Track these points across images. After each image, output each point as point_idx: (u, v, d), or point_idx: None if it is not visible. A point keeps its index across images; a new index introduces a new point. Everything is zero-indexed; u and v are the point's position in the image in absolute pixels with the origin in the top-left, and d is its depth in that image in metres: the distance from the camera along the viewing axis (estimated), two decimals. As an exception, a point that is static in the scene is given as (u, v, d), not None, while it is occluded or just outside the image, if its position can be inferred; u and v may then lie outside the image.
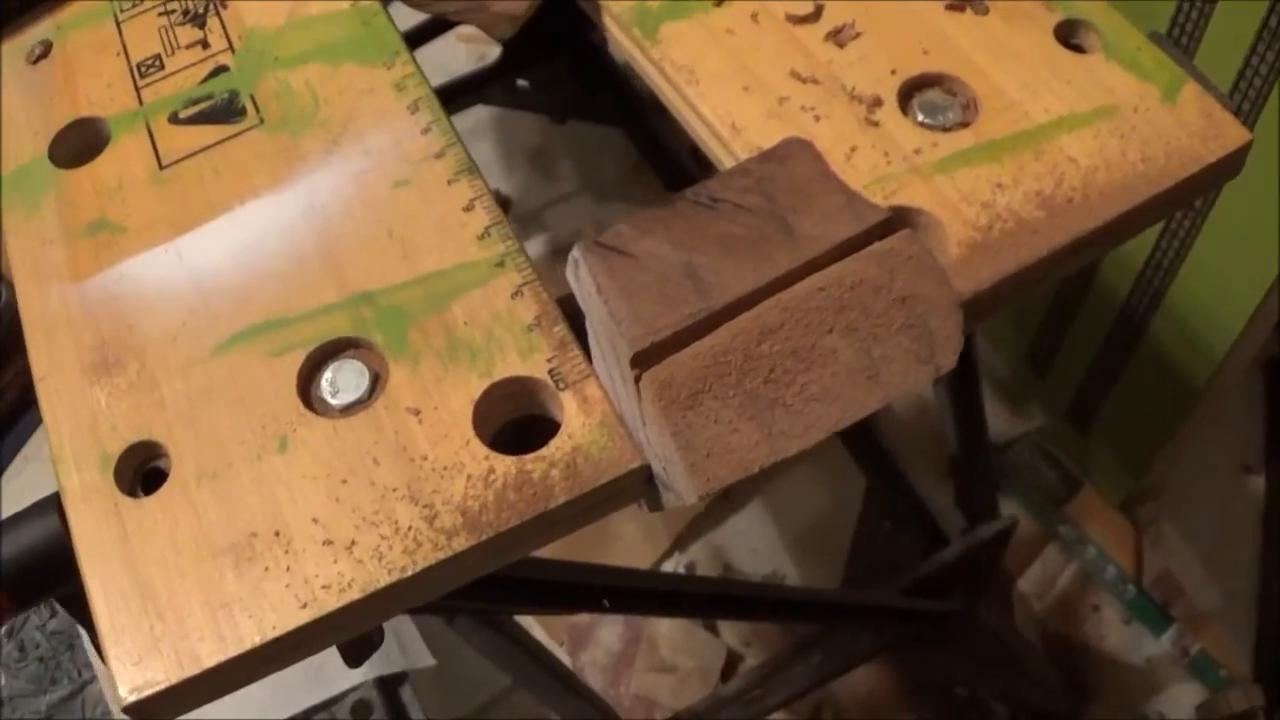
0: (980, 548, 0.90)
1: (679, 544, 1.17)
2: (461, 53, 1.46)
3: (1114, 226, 0.42)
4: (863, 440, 1.05)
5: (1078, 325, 1.10)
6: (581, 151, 1.44)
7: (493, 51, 1.33)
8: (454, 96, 1.23)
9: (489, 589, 0.55)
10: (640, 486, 0.38)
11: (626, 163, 1.39)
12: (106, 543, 0.39)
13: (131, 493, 0.40)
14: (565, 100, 1.36)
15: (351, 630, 0.38)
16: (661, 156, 1.33)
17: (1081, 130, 0.43)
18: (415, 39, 1.13)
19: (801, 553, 1.17)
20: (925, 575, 0.89)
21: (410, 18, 1.13)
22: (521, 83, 1.32)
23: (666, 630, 1.10)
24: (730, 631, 1.11)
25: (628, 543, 1.16)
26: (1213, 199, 0.89)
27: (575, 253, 0.34)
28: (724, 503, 1.19)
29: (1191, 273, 0.95)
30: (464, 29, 1.34)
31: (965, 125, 0.44)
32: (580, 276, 0.34)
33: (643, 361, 0.32)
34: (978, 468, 0.87)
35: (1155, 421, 1.08)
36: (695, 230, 0.33)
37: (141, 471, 0.41)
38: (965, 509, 0.91)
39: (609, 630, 1.11)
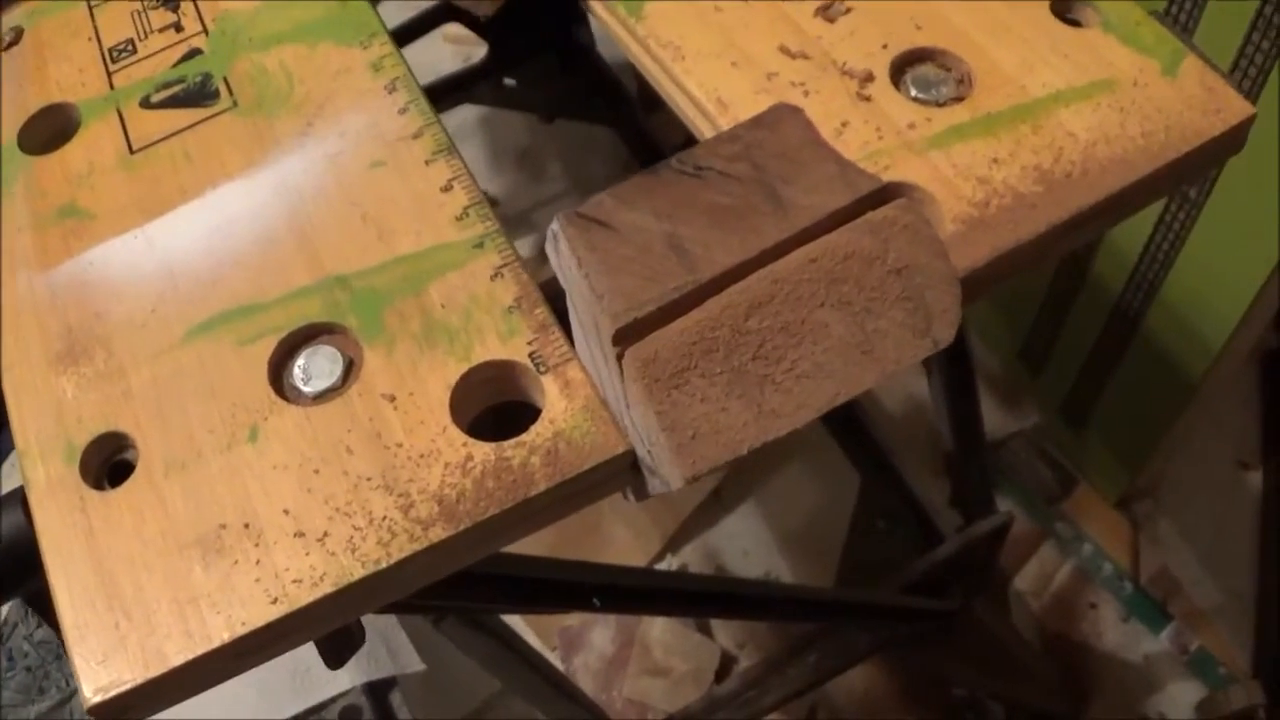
0: (976, 544, 0.89)
1: (671, 546, 1.15)
2: (447, 53, 1.44)
3: (1114, 202, 0.40)
4: (856, 437, 1.03)
5: (1072, 321, 1.09)
6: (570, 151, 1.42)
7: (479, 52, 1.31)
8: (441, 95, 1.22)
9: (475, 587, 0.54)
10: (625, 473, 0.36)
11: (615, 162, 1.38)
12: (71, 538, 0.37)
13: (98, 485, 0.39)
14: (553, 98, 1.35)
15: (326, 626, 0.37)
16: (650, 155, 1.31)
17: (1080, 104, 0.42)
18: (400, 39, 1.11)
19: (795, 553, 1.16)
20: (921, 573, 0.87)
21: (394, 16, 1.12)
22: (509, 81, 1.31)
23: (659, 633, 1.08)
24: (724, 633, 1.10)
25: (619, 545, 1.14)
26: (1208, 190, 0.88)
27: (554, 225, 0.32)
28: (716, 503, 1.18)
29: (1186, 266, 0.94)
30: (450, 28, 1.33)
31: (960, 100, 0.43)
32: (560, 250, 0.32)
33: (625, 338, 0.31)
34: (973, 465, 0.86)
35: (1151, 417, 1.07)
36: (680, 200, 0.32)
37: (109, 464, 0.39)
38: (961, 506, 0.90)
39: (601, 633, 1.09)
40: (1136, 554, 1.14)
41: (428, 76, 1.24)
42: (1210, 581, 1.12)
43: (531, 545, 0.39)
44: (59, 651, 1.18)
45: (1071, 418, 1.16)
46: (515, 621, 1.03)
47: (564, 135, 1.42)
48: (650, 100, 1.42)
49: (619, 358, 0.31)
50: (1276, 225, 0.85)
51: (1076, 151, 0.41)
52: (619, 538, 1.15)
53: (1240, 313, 0.93)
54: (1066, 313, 1.09)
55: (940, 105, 0.42)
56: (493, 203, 1.44)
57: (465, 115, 1.39)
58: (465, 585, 0.53)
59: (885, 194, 0.33)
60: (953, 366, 0.77)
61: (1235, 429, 1.19)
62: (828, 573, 1.12)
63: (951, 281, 0.32)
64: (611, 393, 0.35)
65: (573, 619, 1.10)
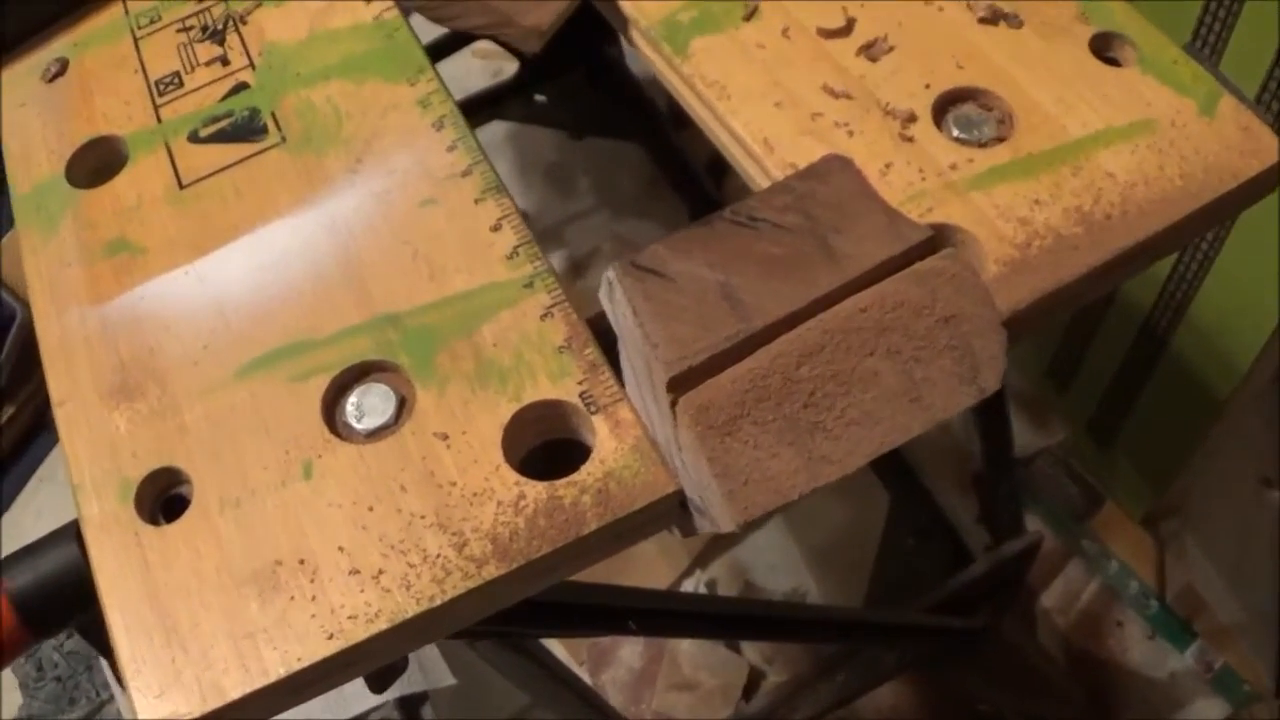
0: (1007, 564, 0.89)
1: (699, 561, 1.15)
2: (477, 68, 1.45)
3: (1153, 243, 0.41)
4: (886, 455, 1.03)
5: (1099, 339, 1.09)
6: (599, 167, 1.43)
7: (509, 67, 1.32)
8: (470, 112, 1.22)
9: (515, 614, 0.54)
10: (674, 512, 0.37)
11: (643, 177, 1.39)
12: (127, 572, 0.38)
13: (153, 521, 0.39)
14: (582, 114, 1.36)
15: (379, 661, 0.37)
16: (679, 171, 1.32)
17: (1119, 145, 0.42)
18: (432, 55, 1.12)
19: (824, 569, 1.16)
20: (951, 592, 0.87)
21: (426, 33, 1.13)
22: (539, 97, 1.32)
23: (688, 648, 1.08)
24: (752, 649, 1.10)
25: (647, 561, 1.15)
26: (1248, 208, 0.88)
27: (610, 274, 0.33)
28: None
29: (1214, 286, 0.95)
30: (480, 44, 1.34)
31: (1001, 140, 0.43)
32: (615, 299, 0.33)
33: (679, 386, 0.31)
34: (1003, 484, 0.86)
35: (1177, 436, 1.07)
36: (733, 250, 0.32)
37: (162, 499, 0.40)
38: (990, 525, 0.90)
39: (630, 649, 1.10)
40: (1162, 572, 1.14)
41: (457, 92, 1.24)
42: (1235, 599, 1.12)
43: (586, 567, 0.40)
44: (89, 662, 1.19)
45: (1098, 436, 1.16)
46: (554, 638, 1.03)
47: (593, 151, 1.42)
48: (679, 117, 1.43)
49: (672, 405, 0.32)
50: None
51: (1116, 193, 0.41)
52: (647, 553, 1.15)
53: (1268, 332, 0.93)
54: (1094, 331, 1.09)
55: (982, 145, 0.43)
56: (523, 218, 1.44)
57: (495, 131, 1.39)
58: (508, 613, 0.54)
59: (933, 243, 0.33)
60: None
61: (1260, 447, 1.18)
62: (857, 589, 1.12)
63: (997, 329, 0.32)
64: (662, 434, 0.35)
65: (603, 635, 1.10)
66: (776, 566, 1.16)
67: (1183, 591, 1.13)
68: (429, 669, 0.91)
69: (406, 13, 0.50)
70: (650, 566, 1.14)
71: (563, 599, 0.57)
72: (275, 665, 0.36)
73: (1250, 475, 1.17)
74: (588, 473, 0.37)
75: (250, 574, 0.37)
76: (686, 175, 1.30)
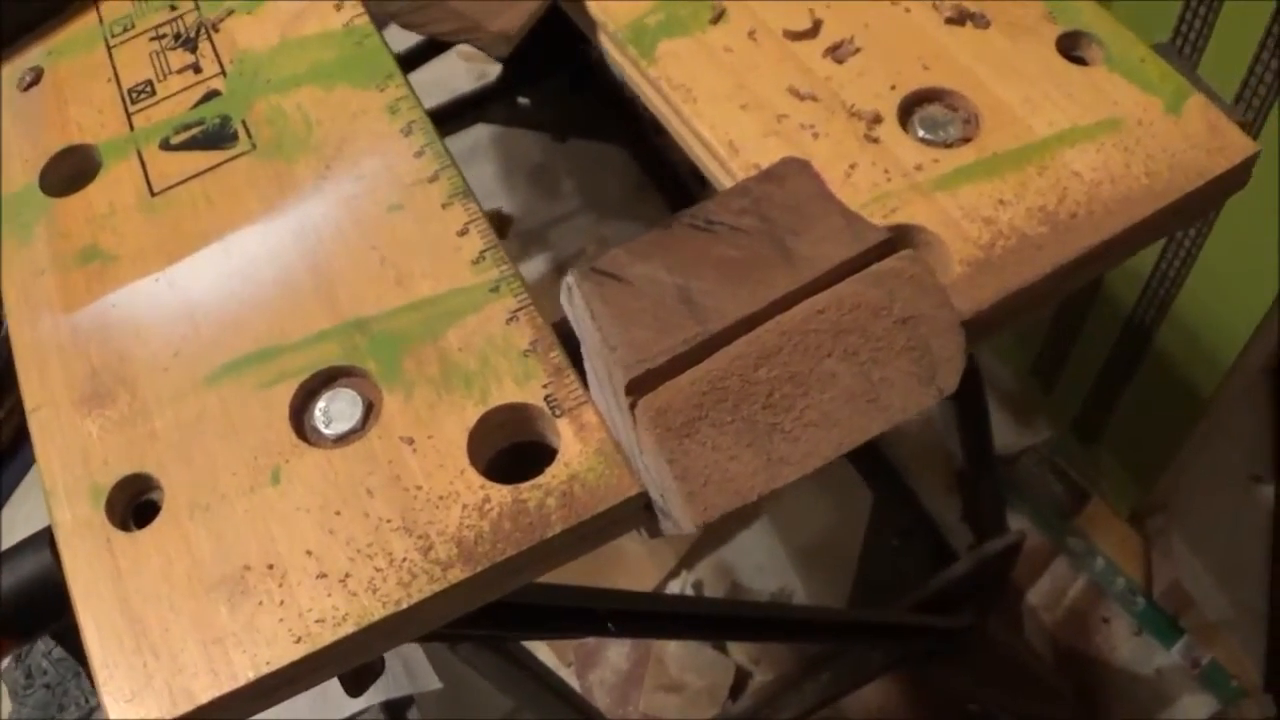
0: (989, 562, 0.90)
1: (685, 562, 1.16)
2: (462, 71, 1.45)
3: (1118, 242, 0.41)
4: (869, 455, 1.04)
5: (1084, 336, 1.09)
6: (583, 169, 1.43)
7: (493, 70, 1.33)
8: (455, 115, 1.23)
9: (491, 616, 0.54)
10: (638, 514, 0.37)
11: (628, 180, 1.39)
12: (99, 578, 0.38)
13: (124, 526, 0.40)
14: (566, 117, 1.36)
15: (348, 663, 0.37)
16: (663, 173, 1.32)
17: (1085, 144, 0.43)
18: (415, 58, 1.13)
19: (809, 569, 1.16)
20: (935, 591, 0.88)
21: (408, 39, 1.13)
22: (522, 100, 1.32)
23: (675, 649, 1.09)
24: (739, 649, 1.10)
25: (633, 562, 1.15)
26: (1219, 206, 0.89)
27: (569, 279, 0.33)
28: (730, 519, 1.18)
29: (1198, 281, 0.95)
30: (465, 47, 1.34)
31: (967, 140, 0.43)
32: (574, 303, 0.33)
33: (638, 388, 0.32)
34: (985, 482, 0.86)
35: (1163, 432, 1.07)
36: (691, 254, 0.32)
37: (134, 505, 0.40)
38: (973, 524, 0.90)
39: (616, 650, 1.10)
40: (1149, 568, 1.14)
41: (443, 94, 1.25)
42: (1222, 595, 1.12)
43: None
44: (78, 669, 1.19)
45: (1084, 433, 1.16)
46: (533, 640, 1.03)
47: (577, 154, 1.42)
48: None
49: (632, 407, 0.32)
50: (1287, 243, 0.85)
51: (1081, 192, 0.41)
52: (633, 554, 1.15)
53: (1252, 328, 0.93)
54: (1079, 328, 1.09)
55: (948, 146, 0.43)
56: (508, 220, 1.44)
57: (479, 134, 1.40)
58: (482, 615, 0.54)
59: (891, 245, 0.33)
60: (963, 387, 0.77)
61: (1247, 442, 1.19)
62: (841, 589, 1.13)
63: (955, 329, 0.32)
64: (625, 437, 0.36)
65: (589, 637, 1.10)
66: (763, 567, 1.16)
67: (1170, 588, 1.13)
68: (414, 672, 0.91)
69: (381, 22, 0.51)
70: (636, 568, 1.14)
71: (541, 601, 0.57)
72: (244, 669, 0.36)
73: (1238, 471, 1.18)
74: (552, 475, 0.37)
75: (219, 579, 0.38)
76: (671, 178, 1.31)
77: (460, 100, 1.24)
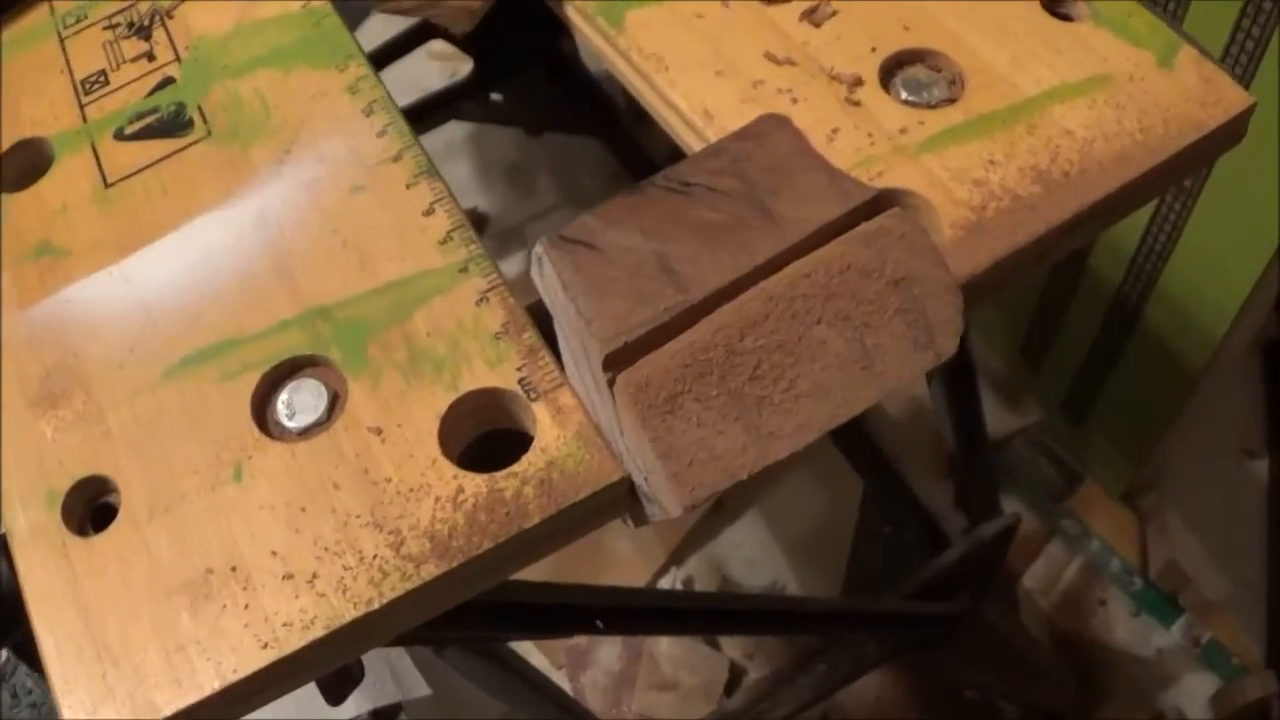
0: (984, 547, 0.88)
1: (674, 559, 1.14)
2: (433, 70, 1.43)
3: (1114, 200, 0.39)
4: (858, 442, 1.02)
5: (1071, 316, 1.08)
6: (559, 164, 1.41)
7: (464, 68, 1.31)
8: (427, 113, 1.21)
9: (474, 616, 0.53)
10: (622, 501, 0.35)
11: (605, 173, 1.37)
12: (55, 586, 0.36)
13: (81, 532, 0.37)
14: (540, 111, 1.34)
15: (320, 669, 0.35)
16: (640, 164, 1.30)
17: (1075, 100, 0.41)
18: (384, 56, 1.11)
19: (800, 561, 1.14)
20: (929, 578, 0.86)
21: (377, 35, 1.11)
22: (495, 96, 1.30)
23: (667, 647, 1.07)
24: (732, 645, 1.09)
25: (622, 560, 1.13)
26: (1203, 179, 0.87)
27: (538, 249, 0.31)
28: (719, 514, 1.17)
29: (1184, 256, 0.93)
30: (435, 45, 1.32)
31: (952, 101, 0.42)
32: (544, 274, 0.31)
33: (616, 363, 0.30)
34: (977, 466, 0.85)
35: (1154, 409, 1.06)
36: (667, 218, 0.31)
37: (91, 508, 0.38)
38: (966, 508, 0.88)
39: (608, 650, 1.08)
40: (1144, 548, 1.13)
41: (413, 94, 1.23)
42: (1219, 572, 1.11)
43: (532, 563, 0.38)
44: (61, 688, 1.16)
45: (1073, 413, 1.15)
46: (521, 643, 1.01)
47: (552, 148, 1.41)
48: (638, 110, 1.41)
49: (610, 383, 0.30)
50: (1273, 212, 0.84)
51: (1074, 150, 0.40)
52: (622, 552, 1.13)
53: (1240, 301, 0.92)
54: (1065, 308, 1.08)
55: (932, 108, 0.41)
56: (484, 218, 1.42)
57: (453, 132, 1.37)
58: (465, 615, 0.52)
59: (879, 203, 0.31)
60: (953, 367, 0.76)
61: (1239, 418, 1.18)
62: (834, 580, 1.11)
63: (952, 291, 0.31)
64: (604, 418, 0.34)
65: (579, 637, 1.08)
66: (754, 561, 1.14)
67: (1166, 567, 1.12)
68: (401, 679, 0.89)
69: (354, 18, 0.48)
70: (625, 566, 1.13)
71: (527, 599, 0.55)
72: (209, 678, 0.34)
73: (1231, 446, 1.17)
74: (529, 463, 0.35)
75: (181, 583, 0.35)
76: (647, 169, 1.28)
77: (432, 98, 1.22)
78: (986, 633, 1.00)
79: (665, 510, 0.31)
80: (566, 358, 0.35)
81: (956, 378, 0.77)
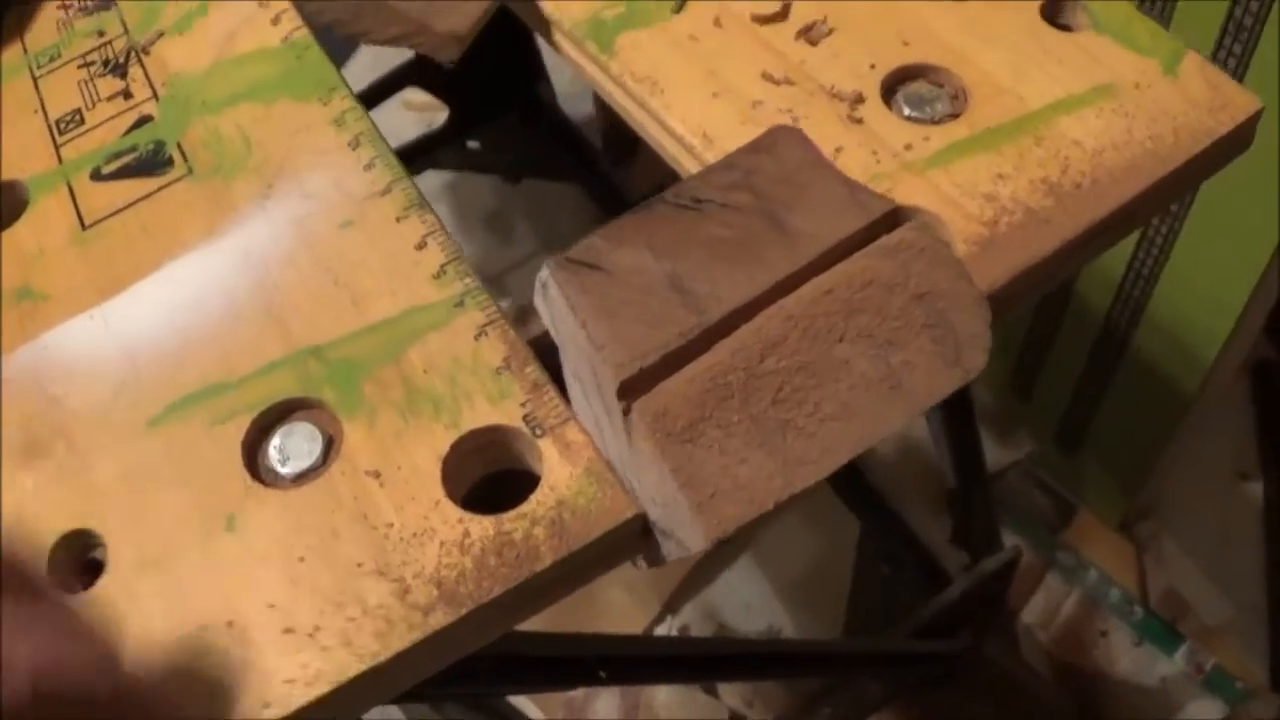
0: (986, 582, 0.86)
1: (669, 607, 1.12)
2: (409, 121, 1.43)
3: (1128, 210, 0.38)
4: (852, 481, 1.00)
5: (1059, 345, 1.07)
6: (538, 211, 1.40)
7: (440, 117, 1.30)
8: (403, 162, 1.19)
9: (475, 670, 0.51)
10: (636, 540, 0.34)
11: (584, 218, 1.36)
12: (36, 650, 0.34)
13: (68, 588, 0.35)
14: (518, 158, 1.33)
15: (323, 728, 0.33)
16: (620, 209, 1.29)
17: (1082, 111, 0.40)
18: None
19: (798, 604, 1.12)
20: (932, 616, 0.84)
21: (353, 83, 1.10)
22: (472, 144, 1.29)
23: (664, 698, 1.04)
24: (731, 693, 1.06)
25: (616, 610, 1.11)
26: (1189, 201, 0.87)
27: (543, 273, 0.29)
28: (713, 559, 1.15)
29: (1172, 280, 0.93)
30: (411, 96, 1.31)
31: (955, 116, 0.41)
32: (550, 299, 0.29)
33: (631, 391, 0.28)
34: (977, 500, 0.83)
35: (1147, 436, 1.05)
36: (678, 236, 0.29)
37: (79, 564, 0.36)
38: (967, 544, 0.87)
39: (606, 702, 1.05)
40: (1143, 576, 1.12)
41: (390, 143, 1.22)
42: (1220, 597, 1.10)
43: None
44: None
45: (1065, 444, 1.14)
46: (521, 694, 0.99)
47: (531, 195, 1.40)
48: (617, 154, 1.41)
49: (625, 413, 0.28)
50: (1261, 232, 0.83)
51: (1084, 161, 0.39)
52: (616, 601, 1.11)
53: (1231, 323, 0.91)
54: (1053, 337, 1.07)
55: (936, 123, 0.40)
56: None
57: (430, 181, 1.36)
58: (466, 669, 0.50)
59: (898, 215, 0.30)
60: (951, 398, 0.75)
61: (1231, 441, 1.17)
62: (833, 622, 1.09)
63: (979, 304, 0.29)
64: (616, 452, 0.32)
65: (577, 689, 1.06)
66: (750, 606, 1.12)
67: (1165, 594, 1.11)
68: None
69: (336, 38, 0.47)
70: (620, 616, 1.10)
71: (527, 651, 0.53)
72: (204, 742, 0.32)
73: (1225, 470, 1.16)
74: (538, 502, 0.33)
75: (174, 641, 0.33)
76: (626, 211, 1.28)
77: (409, 147, 1.21)
78: (989, 668, 0.98)
79: (685, 546, 0.30)
80: (574, 390, 0.33)
81: (955, 409, 0.76)
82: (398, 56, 1.12)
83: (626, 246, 0.29)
